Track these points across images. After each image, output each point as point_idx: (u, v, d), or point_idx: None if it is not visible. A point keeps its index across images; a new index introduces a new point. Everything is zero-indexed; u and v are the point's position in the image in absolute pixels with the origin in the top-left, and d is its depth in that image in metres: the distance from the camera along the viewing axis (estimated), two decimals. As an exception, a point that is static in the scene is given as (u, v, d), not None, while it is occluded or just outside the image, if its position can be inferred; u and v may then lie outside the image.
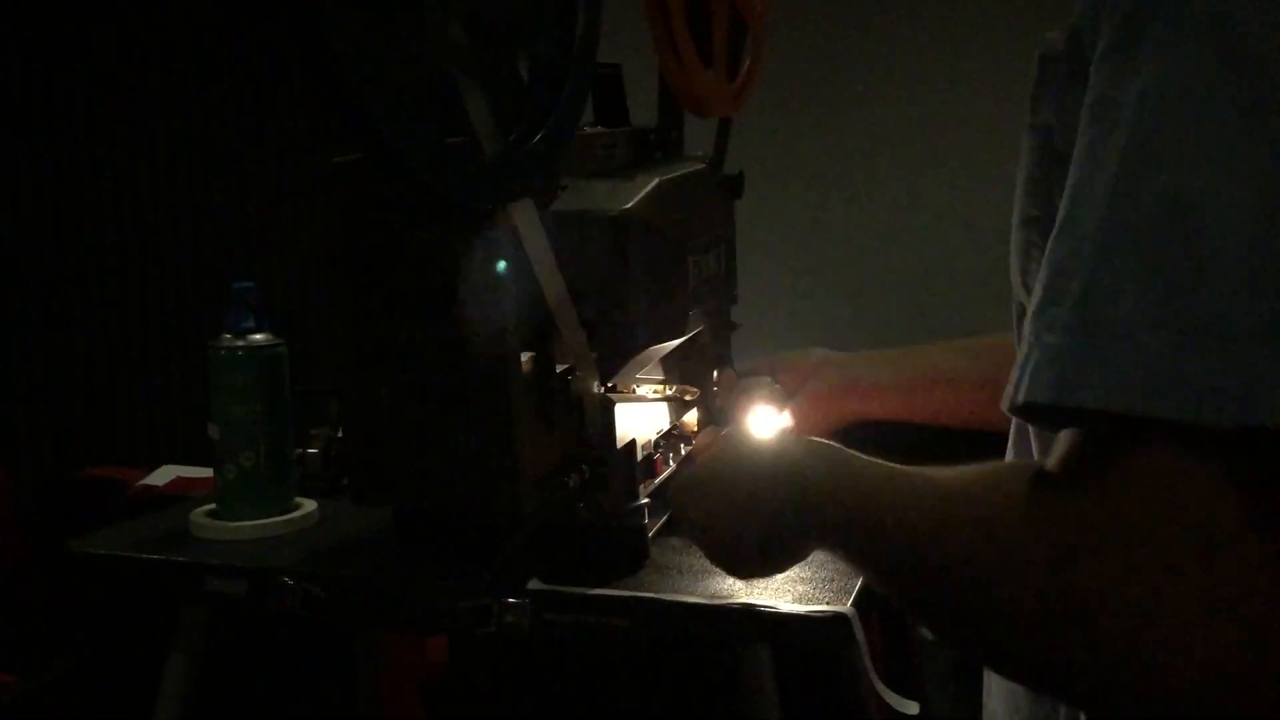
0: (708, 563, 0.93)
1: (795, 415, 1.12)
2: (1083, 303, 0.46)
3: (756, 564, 0.75)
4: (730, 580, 0.92)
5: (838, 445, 0.66)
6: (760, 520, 0.70)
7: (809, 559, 0.92)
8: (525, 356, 0.95)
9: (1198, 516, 0.44)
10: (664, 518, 1.02)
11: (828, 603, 0.88)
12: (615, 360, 0.98)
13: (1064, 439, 0.48)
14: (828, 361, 1.15)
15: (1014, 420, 0.65)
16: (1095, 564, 0.45)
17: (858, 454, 0.63)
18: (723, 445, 0.85)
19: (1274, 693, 0.43)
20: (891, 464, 0.60)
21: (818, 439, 0.69)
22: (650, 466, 1.05)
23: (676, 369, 1.10)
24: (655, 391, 1.07)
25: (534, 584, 0.93)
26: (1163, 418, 0.44)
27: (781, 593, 0.90)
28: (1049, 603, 0.46)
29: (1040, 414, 0.48)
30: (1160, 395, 0.44)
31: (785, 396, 1.13)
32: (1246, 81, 0.44)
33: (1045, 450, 0.56)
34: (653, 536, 0.99)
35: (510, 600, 0.92)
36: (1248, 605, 0.43)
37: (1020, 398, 0.48)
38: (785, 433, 0.86)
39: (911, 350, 1.14)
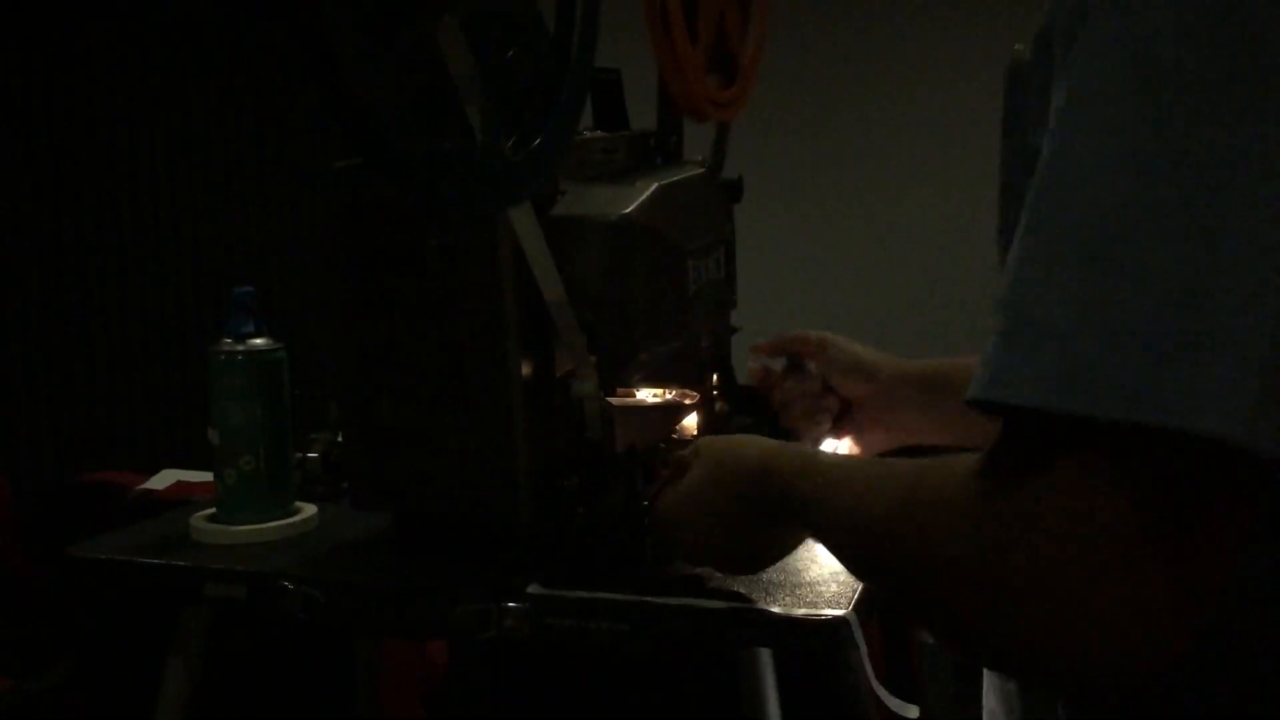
0: (707, 567, 0.94)
1: (858, 440, 1.13)
2: (1012, 306, 0.48)
3: (752, 564, 0.88)
4: (731, 584, 0.92)
5: (804, 446, 0.70)
6: (745, 528, 0.83)
7: (808, 566, 0.94)
8: (525, 361, 0.95)
9: (1102, 512, 0.46)
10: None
11: (828, 607, 0.89)
12: (615, 364, 0.98)
13: (998, 429, 0.51)
14: (895, 389, 1.11)
15: None
16: (1009, 555, 0.48)
17: (822, 451, 0.68)
18: (699, 466, 0.86)
19: (1174, 669, 0.46)
20: (850, 457, 0.64)
21: (790, 443, 0.77)
22: (650, 470, 1.05)
23: (676, 373, 1.10)
24: (655, 395, 1.07)
25: (534, 588, 0.93)
26: (1076, 414, 0.46)
27: (782, 597, 0.91)
28: (973, 587, 0.49)
29: (987, 410, 0.50)
30: (1075, 393, 0.46)
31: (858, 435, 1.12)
32: (1158, 90, 0.46)
33: None
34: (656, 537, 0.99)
35: (510, 604, 0.92)
36: (1137, 595, 0.45)
37: (967, 395, 0.50)
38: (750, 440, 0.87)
39: (961, 369, 1.10)
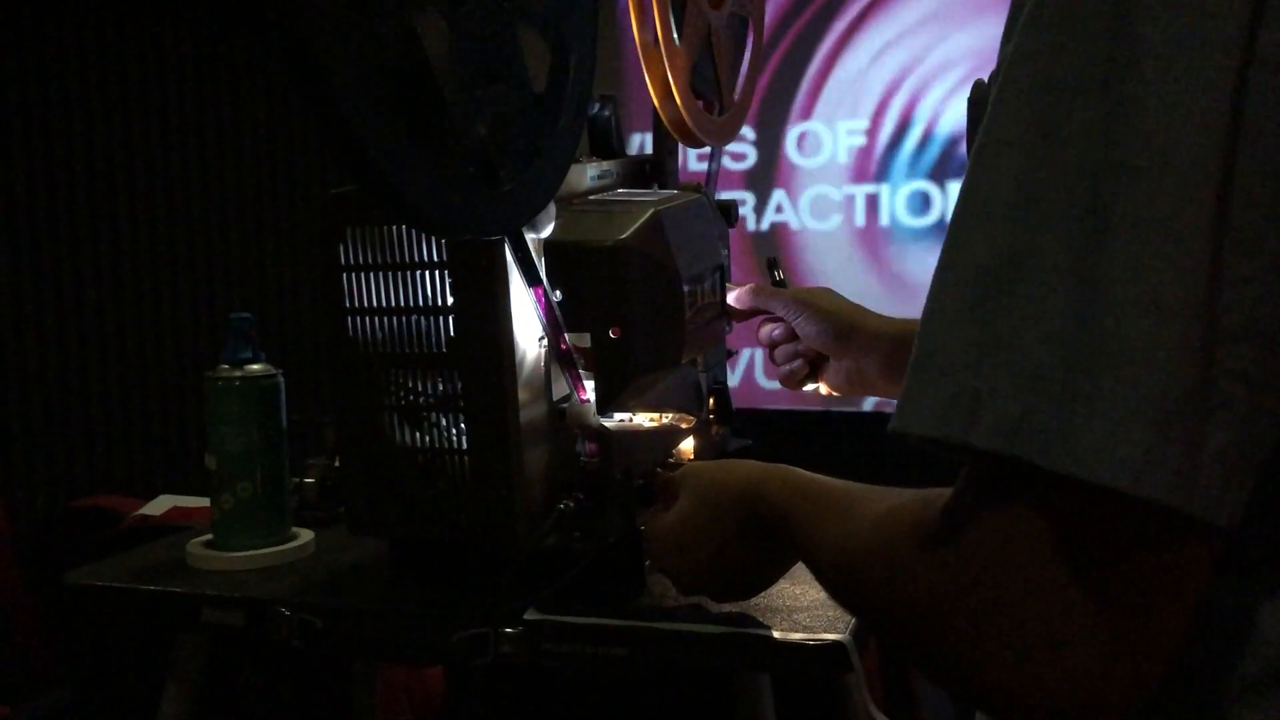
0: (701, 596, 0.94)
1: (831, 387, 1.16)
2: (921, 338, 0.51)
3: (743, 589, 0.89)
4: (728, 608, 0.93)
5: (792, 469, 0.76)
6: (734, 553, 0.83)
7: (805, 590, 0.94)
8: (522, 385, 0.95)
9: (1025, 559, 0.47)
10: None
11: (825, 631, 0.88)
12: (612, 389, 0.98)
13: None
14: (862, 354, 1.13)
15: None
16: (952, 600, 0.50)
17: (809, 476, 0.73)
18: (685, 495, 0.87)
19: (1126, 705, 0.47)
20: (837, 485, 0.68)
21: (777, 466, 0.78)
22: (647, 495, 1.05)
23: (673, 397, 1.11)
24: (651, 420, 1.07)
25: (531, 614, 0.93)
26: (973, 446, 0.47)
27: (779, 621, 0.91)
28: (927, 627, 0.51)
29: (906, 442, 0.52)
30: (968, 426, 0.47)
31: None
32: (1055, 142, 0.48)
33: None
34: (648, 567, 0.99)
35: (506, 630, 0.92)
36: (1064, 641, 0.47)
37: (889, 426, 0.52)
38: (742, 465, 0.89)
39: None
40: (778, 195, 3.15)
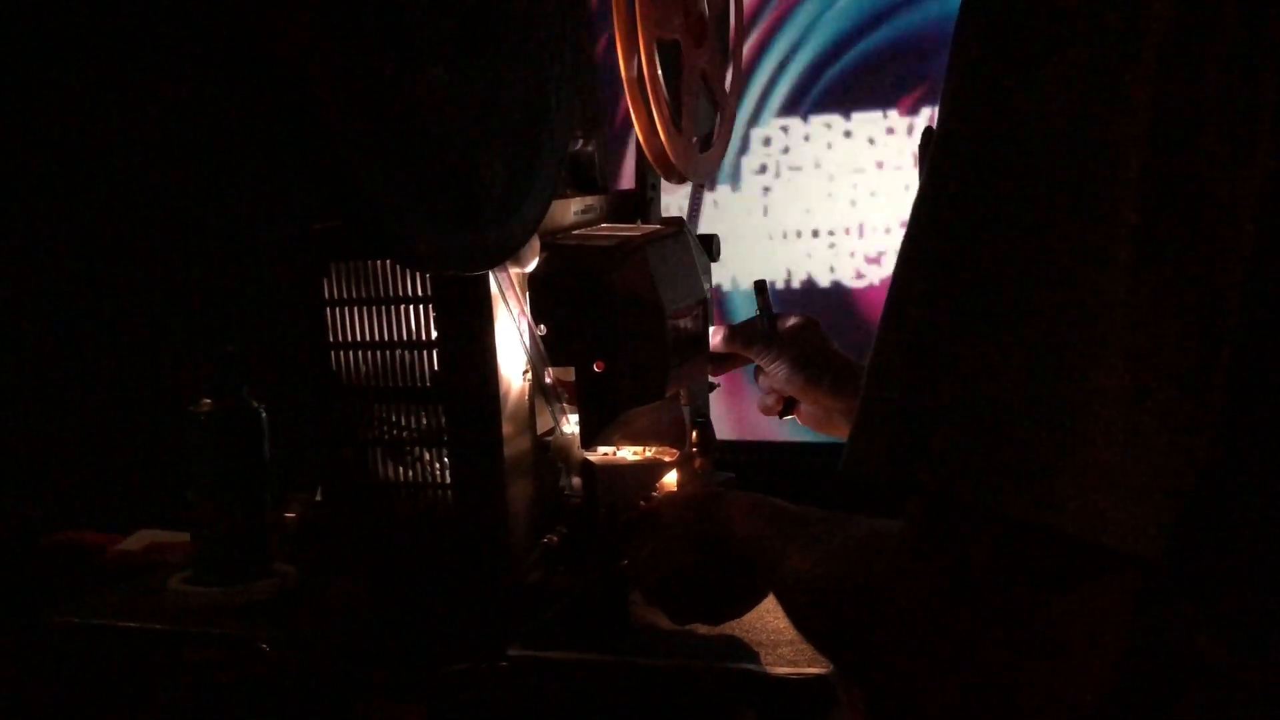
0: (688, 626, 0.94)
1: (804, 422, 1.19)
2: (866, 389, 0.54)
3: (730, 611, 0.91)
4: (712, 644, 0.92)
5: (756, 495, 0.80)
6: (714, 576, 0.86)
7: (788, 623, 0.94)
8: (506, 418, 0.95)
9: (944, 599, 0.51)
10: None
11: (809, 665, 0.88)
12: (596, 422, 0.99)
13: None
14: (829, 404, 1.16)
15: None
16: (879, 631, 0.54)
17: (770, 501, 0.77)
18: (664, 527, 0.90)
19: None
20: (797, 510, 0.73)
21: (744, 493, 0.82)
22: (631, 530, 1.05)
23: (656, 431, 1.11)
24: (635, 453, 1.07)
25: (514, 649, 0.93)
26: (924, 489, 0.51)
27: (764, 656, 0.90)
28: (877, 653, 0.55)
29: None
30: (915, 471, 0.50)
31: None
32: (979, 190, 0.50)
33: None
34: (632, 600, 0.99)
35: (490, 666, 0.92)
36: (981, 674, 0.50)
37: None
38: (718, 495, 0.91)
39: None
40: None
